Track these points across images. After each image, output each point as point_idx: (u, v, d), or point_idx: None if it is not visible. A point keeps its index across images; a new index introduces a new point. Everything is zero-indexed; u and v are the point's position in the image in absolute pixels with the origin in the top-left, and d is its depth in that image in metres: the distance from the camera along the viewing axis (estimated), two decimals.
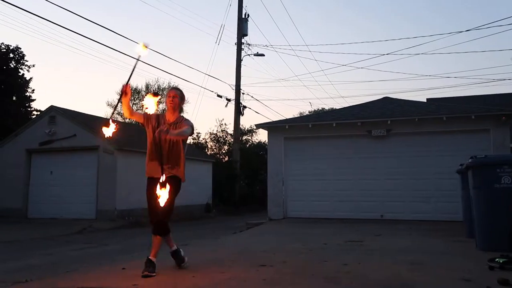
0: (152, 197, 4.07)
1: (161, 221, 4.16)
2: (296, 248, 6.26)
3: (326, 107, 31.16)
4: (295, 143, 12.14)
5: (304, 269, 4.63)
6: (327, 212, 11.32)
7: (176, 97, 4.35)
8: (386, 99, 13.98)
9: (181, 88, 4.59)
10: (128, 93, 4.07)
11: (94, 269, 4.86)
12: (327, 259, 5.16)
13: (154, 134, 4.13)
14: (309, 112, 32.22)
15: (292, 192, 11.90)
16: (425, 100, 18.99)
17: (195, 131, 4.29)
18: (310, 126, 11.91)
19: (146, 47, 3.96)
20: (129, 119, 31.39)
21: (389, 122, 11.21)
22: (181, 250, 4.51)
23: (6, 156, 15.60)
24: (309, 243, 6.87)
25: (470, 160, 5.90)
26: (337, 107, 22.93)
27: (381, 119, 11.41)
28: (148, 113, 4.28)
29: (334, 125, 11.59)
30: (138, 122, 4.43)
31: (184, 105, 4.67)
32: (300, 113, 34.01)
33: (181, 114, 4.50)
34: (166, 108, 4.43)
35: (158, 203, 3.94)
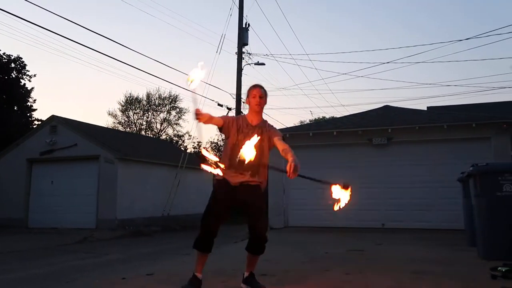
0: None
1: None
2: (298, 257, 6.24)
3: (327, 116, 31.17)
4: (296, 151, 11.85)
5: (306, 278, 4.61)
6: (328, 221, 11.25)
7: (262, 97, 3.79)
8: (386, 108, 14.00)
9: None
10: (201, 114, 3.49)
11: (95, 279, 4.85)
12: (329, 269, 5.14)
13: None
14: (309, 120, 32.24)
15: (293, 201, 11.87)
16: (426, 109, 19.00)
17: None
18: (310, 134, 11.92)
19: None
20: (130, 129, 31.25)
21: (389, 130, 11.22)
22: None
23: (7, 166, 15.60)
24: (310, 252, 6.85)
25: (471, 168, 5.90)
26: (338, 116, 22.94)
27: (382, 127, 11.41)
28: (227, 116, 3.88)
29: (334, 133, 11.60)
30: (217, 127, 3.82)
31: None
32: (301, 122, 34.06)
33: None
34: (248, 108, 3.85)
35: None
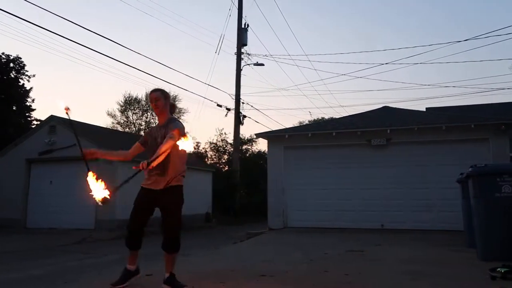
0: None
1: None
2: (297, 258, 6.24)
3: (326, 117, 31.19)
4: (295, 152, 12.14)
5: (305, 279, 4.61)
6: (328, 222, 11.28)
7: (158, 99, 3.98)
8: (385, 108, 14.01)
9: (161, 88, 4.16)
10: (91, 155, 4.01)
11: (94, 279, 4.84)
12: (328, 269, 5.14)
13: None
14: (308, 121, 32.25)
15: (292, 201, 11.87)
16: (425, 110, 19.03)
17: (187, 136, 3.70)
18: (309, 135, 11.92)
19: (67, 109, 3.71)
20: (129, 130, 31.23)
21: (388, 131, 11.22)
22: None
23: (5, 166, 15.57)
24: (310, 253, 6.84)
25: (470, 169, 5.91)
26: (337, 117, 22.97)
27: (381, 128, 11.41)
28: (145, 137, 4.25)
29: (333, 134, 11.60)
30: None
31: (172, 101, 4.29)
32: (300, 123, 34.06)
33: (171, 114, 4.17)
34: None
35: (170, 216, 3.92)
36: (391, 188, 11.03)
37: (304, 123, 31.23)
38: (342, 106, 63.58)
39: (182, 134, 3.76)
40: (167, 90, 4.40)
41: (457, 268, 5.27)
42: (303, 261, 5.95)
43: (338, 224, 11.13)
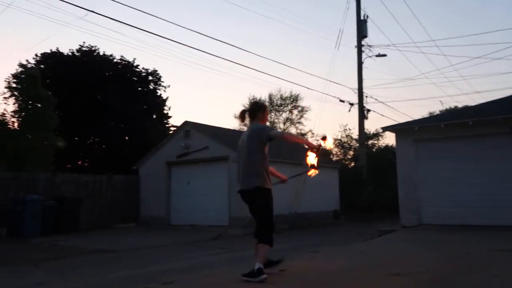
0: None
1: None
2: (434, 257, 5.85)
3: (459, 105, 28.68)
4: (426, 145, 11.39)
5: (444, 280, 4.30)
6: (467, 219, 10.36)
7: None
8: None
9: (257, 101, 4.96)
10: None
11: (231, 273, 5.11)
12: (472, 270, 4.73)
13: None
14: (440, 111, 30.05)
15: (426, 197, 11.16)
16: None
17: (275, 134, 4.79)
18: (442, 126, 11.07)
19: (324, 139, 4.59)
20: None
21: None
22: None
23: (150, 169, 17.31)
24: (448, 251, 6.37)
25: None
26: (472, 104, 21.01)
27: None
28: None
29: (470, 123, 10.61)
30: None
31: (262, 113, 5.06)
32: (430, 113, 31.87)
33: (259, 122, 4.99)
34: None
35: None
36: None
37: (435, 114, 29.18)
38: (478, 92, 57.82)
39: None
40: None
41: None
42: (441, 260, 5.56)
43: (478, 222, 10.15)
